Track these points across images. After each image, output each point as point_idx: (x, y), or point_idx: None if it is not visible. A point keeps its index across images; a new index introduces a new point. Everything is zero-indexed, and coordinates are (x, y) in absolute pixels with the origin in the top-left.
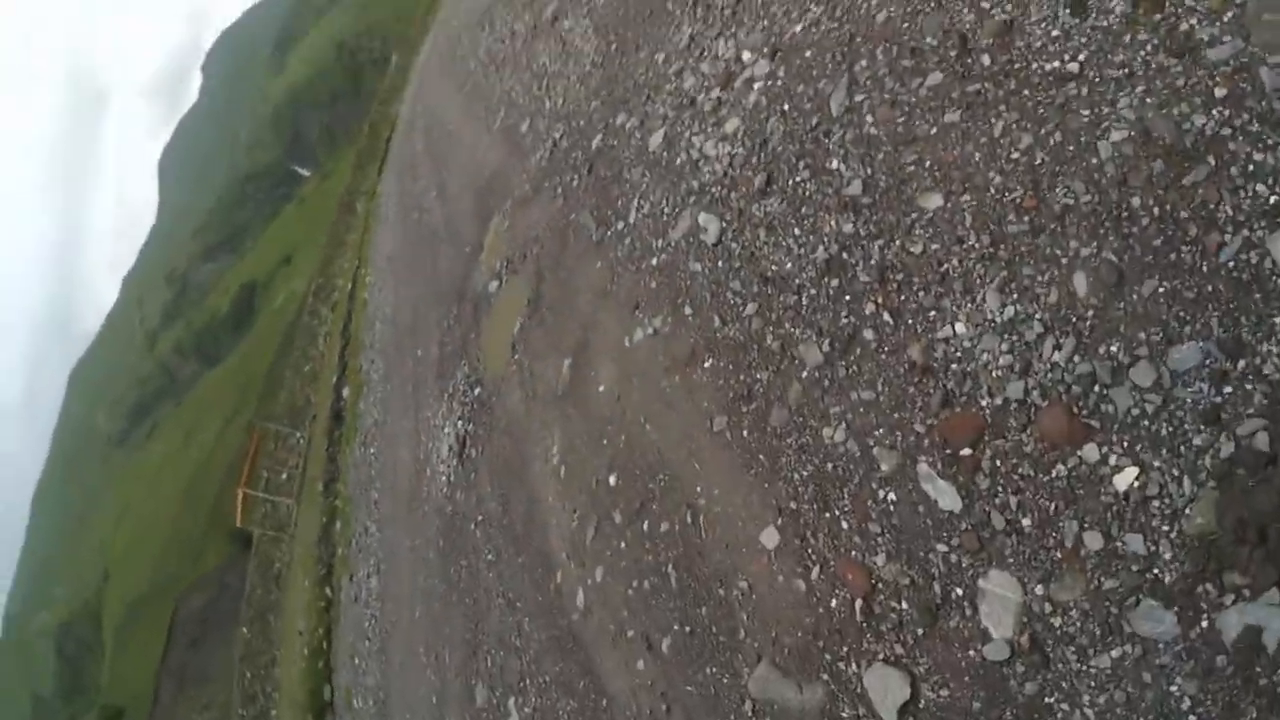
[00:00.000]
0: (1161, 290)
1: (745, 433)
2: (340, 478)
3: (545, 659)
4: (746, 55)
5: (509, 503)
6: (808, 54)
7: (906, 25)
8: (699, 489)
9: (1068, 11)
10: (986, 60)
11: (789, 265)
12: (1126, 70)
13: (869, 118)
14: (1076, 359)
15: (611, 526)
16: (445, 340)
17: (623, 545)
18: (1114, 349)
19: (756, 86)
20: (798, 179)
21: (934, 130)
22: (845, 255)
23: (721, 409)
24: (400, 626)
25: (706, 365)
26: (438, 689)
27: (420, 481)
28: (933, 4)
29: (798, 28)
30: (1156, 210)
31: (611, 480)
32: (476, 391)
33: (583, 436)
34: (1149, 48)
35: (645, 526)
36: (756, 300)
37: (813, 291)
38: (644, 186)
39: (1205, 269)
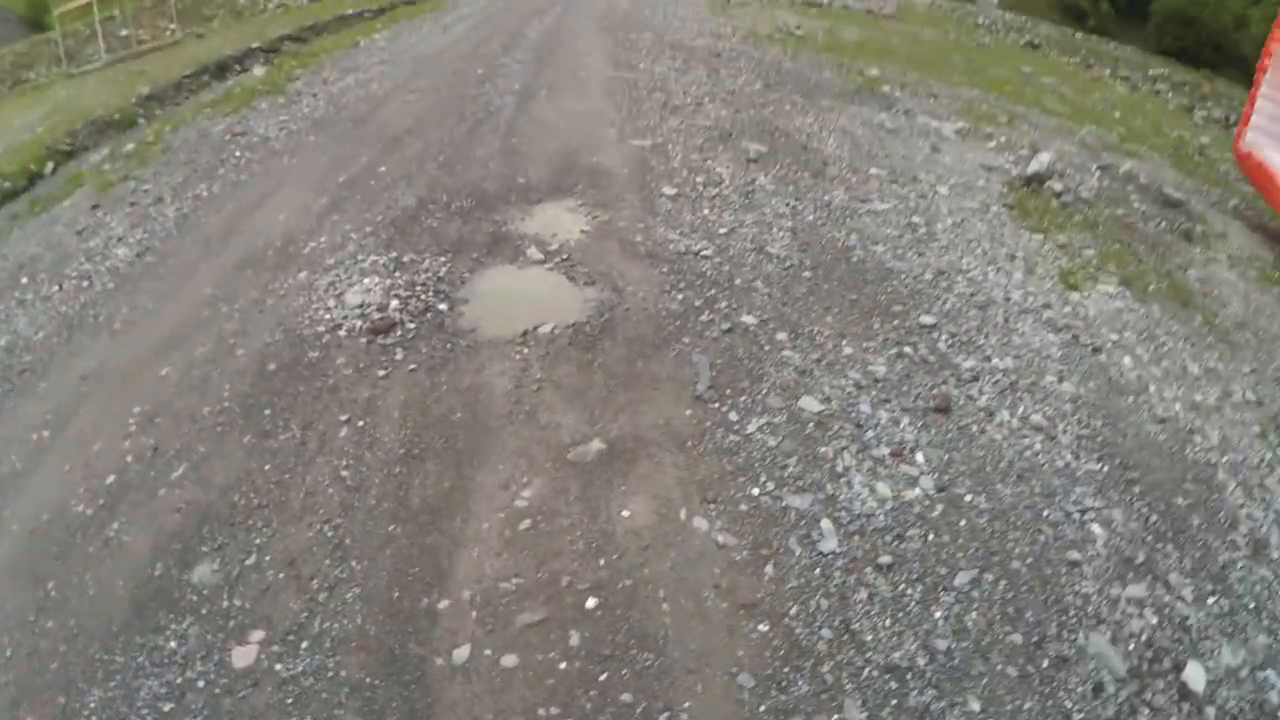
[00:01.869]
0: None
1: (763, 709)
2: None
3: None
4: (920, 457)
5: None
6: None
7: None
8: None
9: None
10: None
11: (868, 637)
12: None
13: None
14: None
15: (555, 632)
16: None
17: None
18: None
19: (917, 494)
20: (912, 592)
21: None
22: (908, 677)
23: (753, 671)
24: None
25: (761, 628)
26: None
27: None
28: None
29: None
30: None
31: (589, 603)
32: None
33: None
34: None
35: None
36: (832, 633)
37: (874, 674)
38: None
39: None
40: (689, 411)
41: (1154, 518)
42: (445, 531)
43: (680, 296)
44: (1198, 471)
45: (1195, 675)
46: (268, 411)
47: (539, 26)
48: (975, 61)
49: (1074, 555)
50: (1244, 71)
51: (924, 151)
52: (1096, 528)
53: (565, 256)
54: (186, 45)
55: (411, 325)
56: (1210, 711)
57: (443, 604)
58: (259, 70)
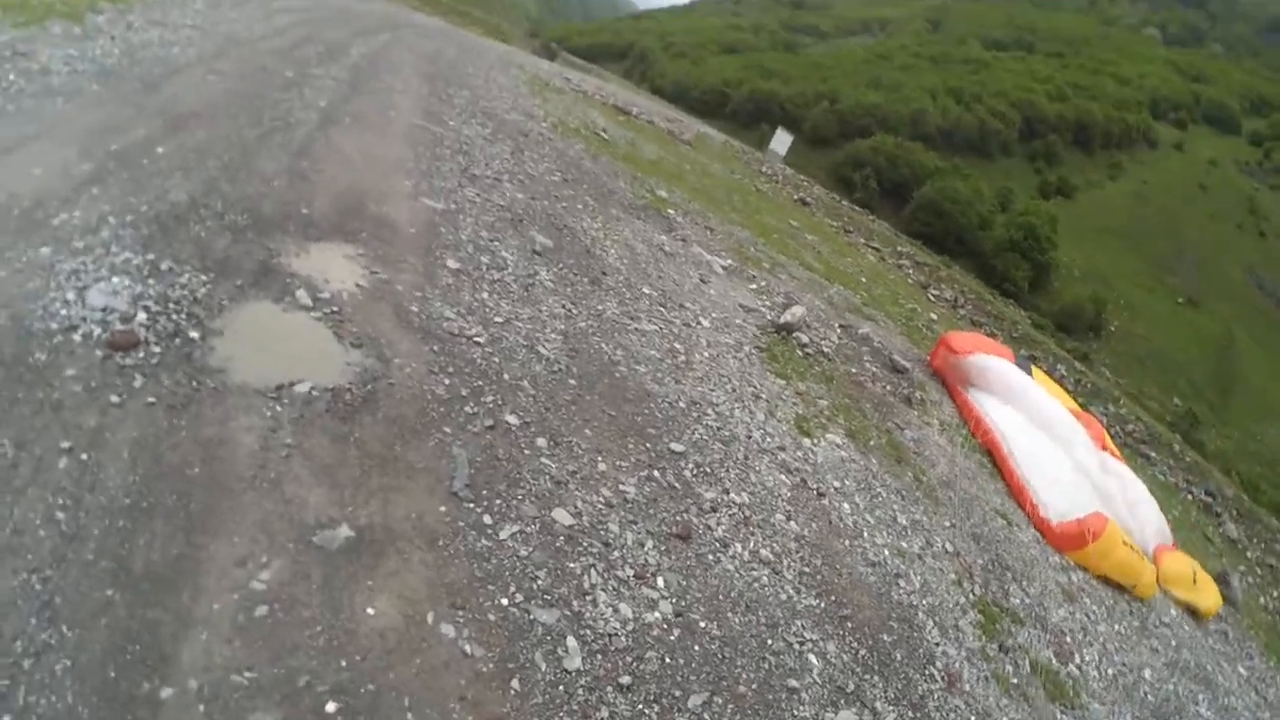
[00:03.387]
0: None
1: None
2: None
3: None
4: (661, 581)
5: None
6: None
7: None
8: None
9: None
10: None
11: None
12: None
13: None
14: None
15: None
16: None
17: None
18: None
19: (656, 618)
20: (649, 712)
21: None
22: None
23: None
24: None
25: None
26: None
27: None
28: None
29: None
30: None
31: (329, 706)
32: None
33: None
34: None
35: None
36: None
37: None
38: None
39: None
40: (443, 508)
41: (863, 651)
42: (171, 607)
43: (448, 381)
44: (901, 611)
45: None
46: None
47: (363, 48)
48: (752, 204)
49: (793, 683)
50: (978, 264)
51: (693, 280)
52: (813, 658)
53: (336, 309)
54: None
55: (157, 349)
56: None
57: (166, 692)
58: None
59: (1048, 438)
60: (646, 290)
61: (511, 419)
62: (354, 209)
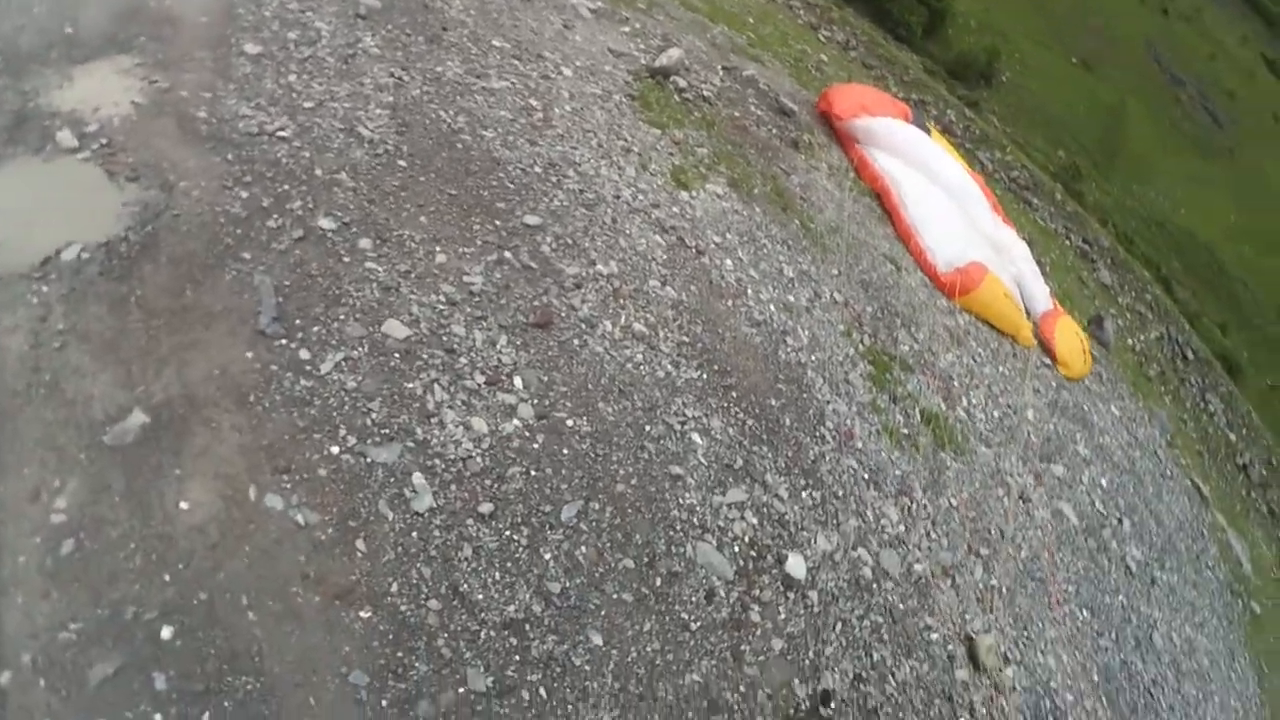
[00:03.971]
0: None
1: (384, 704)
2: None
3: None
4: (518, 381)
5: None
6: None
7: None
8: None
9: None
10: None
11: (479, 596)
12: None
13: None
14: None
15: (137, 681)
16: None
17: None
18: None
19: (516, 426)
20: (518, 538)
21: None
22: (527, 628)
23: (364, 667)
24: None
25: (363, 615)
26: None
27: None
28: None
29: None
30: None
31: (165, 633)
32: None
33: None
34: None
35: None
36: (440, 602)
37: (492, 635)
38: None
39: None
40: (250, 353)
41: (750, 421)
42: None
43: (245, 195)
44: (789, 372)
45: (796, 565)
46: None
47: None
48: None
49: (676, 469)
50: (871, 8)
51: (555, 27)
52: (697, 437)
53: (105, 141)
54: None
55: None
56: (813, 595)
57: (4, 677)
58: None
59: (940, 190)
60: (497, 43)
61: (325, 223)
62: (130, 11)
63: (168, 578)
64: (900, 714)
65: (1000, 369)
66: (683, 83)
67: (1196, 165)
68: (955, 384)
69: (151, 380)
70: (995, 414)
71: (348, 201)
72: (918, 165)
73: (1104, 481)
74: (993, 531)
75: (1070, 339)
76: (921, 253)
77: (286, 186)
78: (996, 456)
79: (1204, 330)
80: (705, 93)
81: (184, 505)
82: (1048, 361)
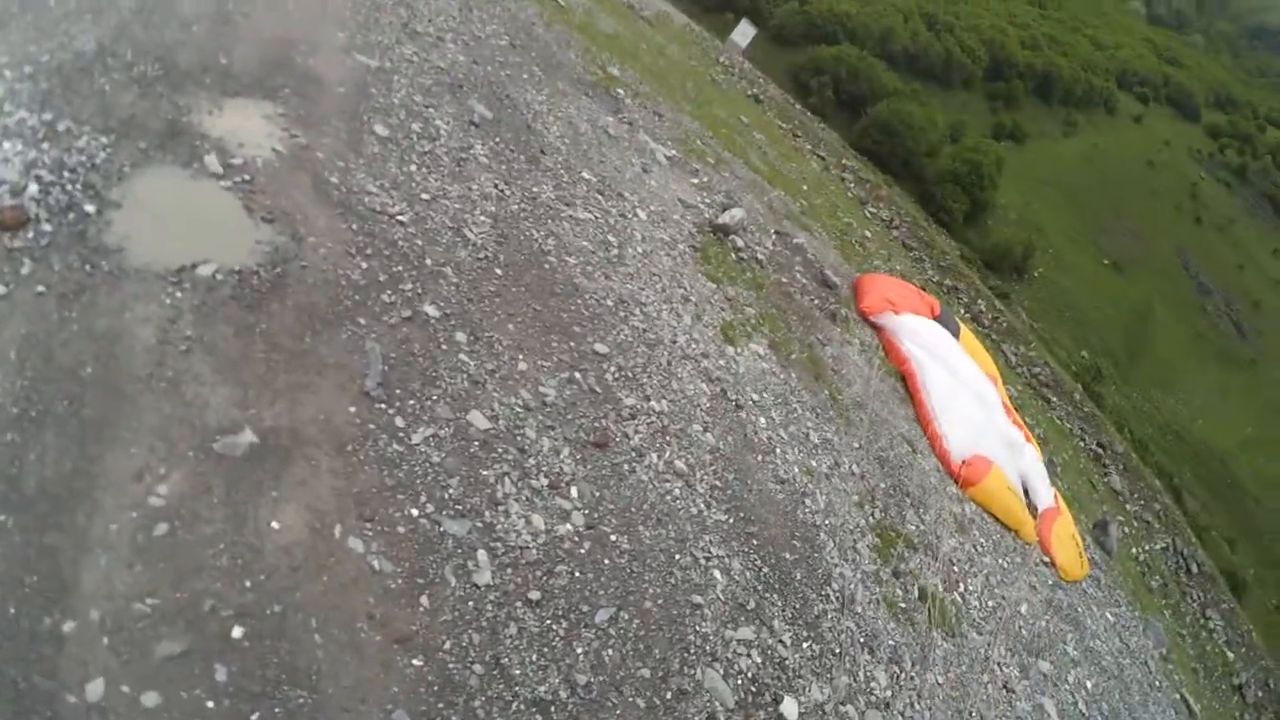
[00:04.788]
0: None
1: None
2: None
3: None
4: (575, 491)
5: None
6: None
7: None
8: None
9: None
10: None
11: (516, 672)
12: None
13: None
14: None
15: (199, 666)
16: None
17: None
18: None
19: (568, 529)
20: (557, 628)
21: None
22: (552, 709)
23: (408, 708)
24: None
25: (416, 663)
26: None
27: None
28: None
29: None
30: None
31: (235, 631)
32: None
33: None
34: None
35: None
36: (483, 668)
37: (521, 708)
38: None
39: None
40: (353, 409)
41: (765, 569)
42: (68, 529)
43: (365, 265)
44: (805, 531)
45: (790, 708)
46: None
47: None
48: (705, 94)
49: (697, 599)
50: (918, 189)
51: (635, 168)
52: (718, 574)
53: (248, 177)
54: None
55: (48, 227)
56: None
57: (68, 625)
58: None
59: (962, 384)
60: (586, 175)
61: (431, 310)
62: (279, 61)
63: (249, 584)
64: None
65: (1000, 561)
66: (740, 242)
67: (1218, 375)
68: (955, 569)
69: (265, 406)
70: (990, 603)
71: (450, 294)
72: (939, 359)
73: (1089, 684)
74: (974, 714)
75: (1065, 540)
76: (938, 438)
77: (400, 267)
78: (986, 644)
79: (1211, 544)
80: (759, 255)
81: (275, 525)
82: (1047, 560)
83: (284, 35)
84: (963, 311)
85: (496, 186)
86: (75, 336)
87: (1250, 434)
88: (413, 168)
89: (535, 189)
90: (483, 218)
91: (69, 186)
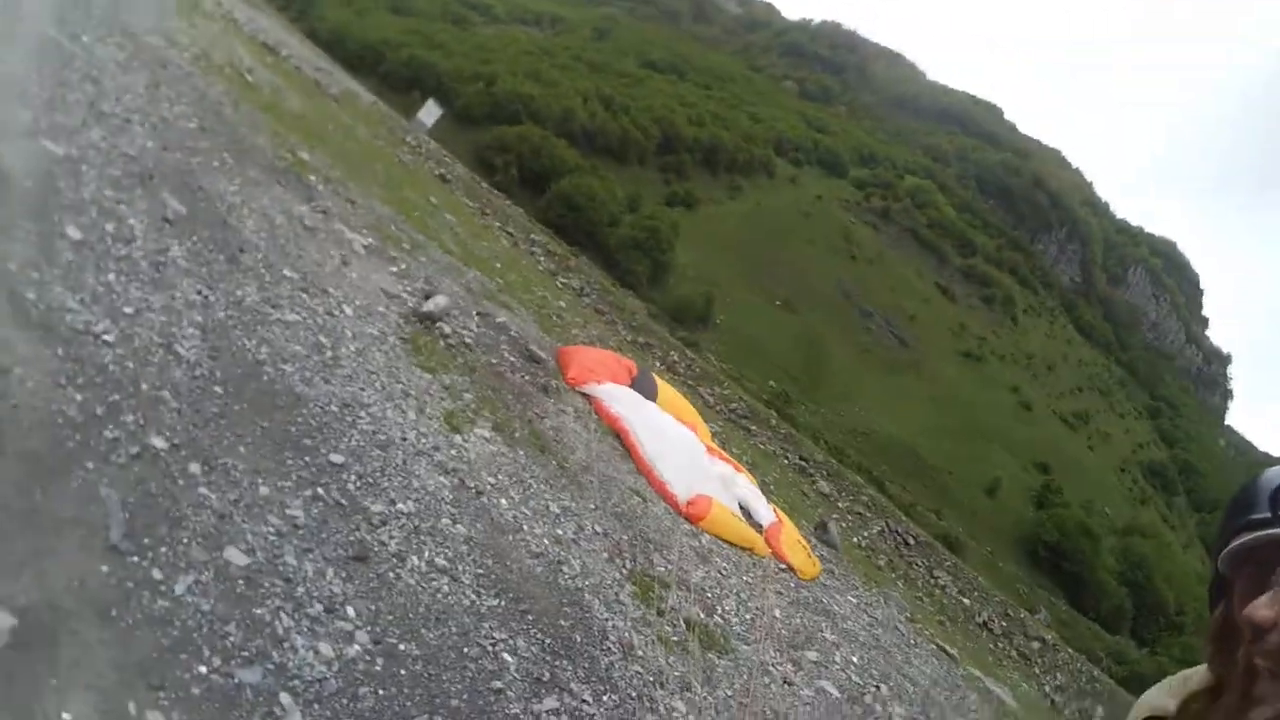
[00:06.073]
0: None
1: None
2: None
3: None
4: (351, 610)
5: None
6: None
7: None
8: None
9: None
10: None
11: None
12: None
13: None
14: None
15: None
16: None
17: None
18: None
19: (357, 650)
20: None
21: None
22: None
23: None
24: None
25: None
26: None
27: None
28: None
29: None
30: None
31: None
32: None
33: None
34: None
35: None
36: None
37: None
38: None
39: None
40: (105, 567)
41: (548, 640)
42: None
43: (79, 397)
44: (571, 596)
45: None
46: None
47: None
48: (394, 177)
49: (497, 684)
50: (604, 257)
51: (335, 261)
52: (507, 656)
53: None
54: None
55: None
56: None
57: None
58: None
59: (666, 438)
60: (288, 272)
61: (158, 442)
62: None
63: None
64: None
65: (744, 578)
66: (447, 329)
67: (889, 380)
68: (709, 595)
69: (14, 581)
70: (747, 616)
71: (174, 422)
72: (643, 418)
73: (855, 659)
74: (768, 712)
75: (794, 546)
76: (661, 485)
77: (116, 396)
78: (756, 651)
79: (920, 518)
80: (466, 339)
81: (67, 717)
82: (784, 567)
83: None
84: (658, 364)
85: (200, 292)
86: None
87: (929, 423)
88: (110, 276)
89: (239, 292)
90: (191, 330)
91: None
